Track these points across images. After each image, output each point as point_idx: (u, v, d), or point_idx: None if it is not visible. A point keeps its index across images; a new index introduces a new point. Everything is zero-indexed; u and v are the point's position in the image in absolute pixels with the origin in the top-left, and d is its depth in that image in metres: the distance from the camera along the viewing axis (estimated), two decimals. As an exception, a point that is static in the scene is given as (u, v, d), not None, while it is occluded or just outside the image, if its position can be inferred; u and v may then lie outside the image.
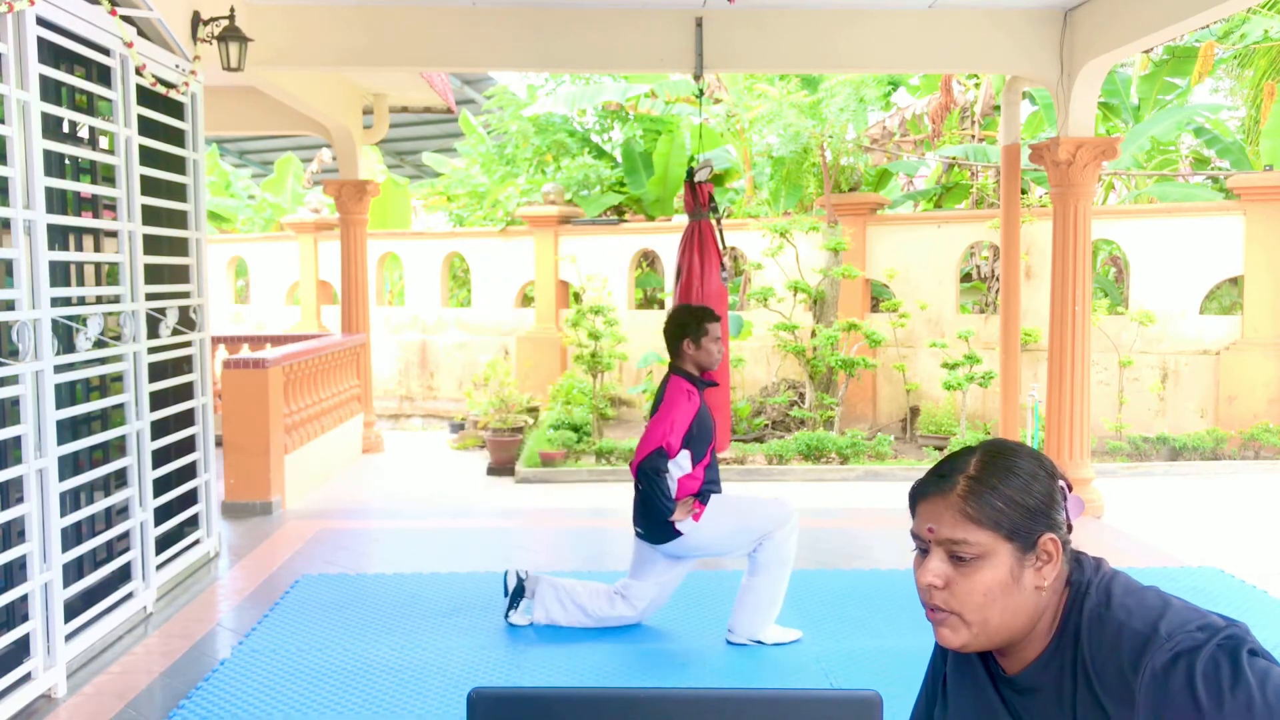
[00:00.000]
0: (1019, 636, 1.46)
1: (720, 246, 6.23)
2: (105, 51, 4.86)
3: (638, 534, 4.70)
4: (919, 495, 1.50)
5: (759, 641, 4.71)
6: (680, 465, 4.57)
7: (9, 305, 3.96)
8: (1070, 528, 1.48)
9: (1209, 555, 6.36)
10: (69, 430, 4.50)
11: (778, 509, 4.72)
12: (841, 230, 11.34)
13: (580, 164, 14.65)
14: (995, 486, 1.43)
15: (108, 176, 5.03)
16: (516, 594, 4.90)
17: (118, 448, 5.04)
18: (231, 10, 6.13)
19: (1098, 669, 1.39)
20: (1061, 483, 1.49)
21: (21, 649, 4.03)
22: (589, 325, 10.42)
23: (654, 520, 4.57)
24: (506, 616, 4.92)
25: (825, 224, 11.28)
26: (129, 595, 5.01)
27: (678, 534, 4.57)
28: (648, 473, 4.46)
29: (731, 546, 4.71)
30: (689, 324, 4.65)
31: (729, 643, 4.73)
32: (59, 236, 4.56)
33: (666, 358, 4.82)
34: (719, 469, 4.84)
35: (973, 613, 1.43)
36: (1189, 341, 10.51)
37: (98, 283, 5.05)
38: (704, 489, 4.65)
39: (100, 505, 4.78)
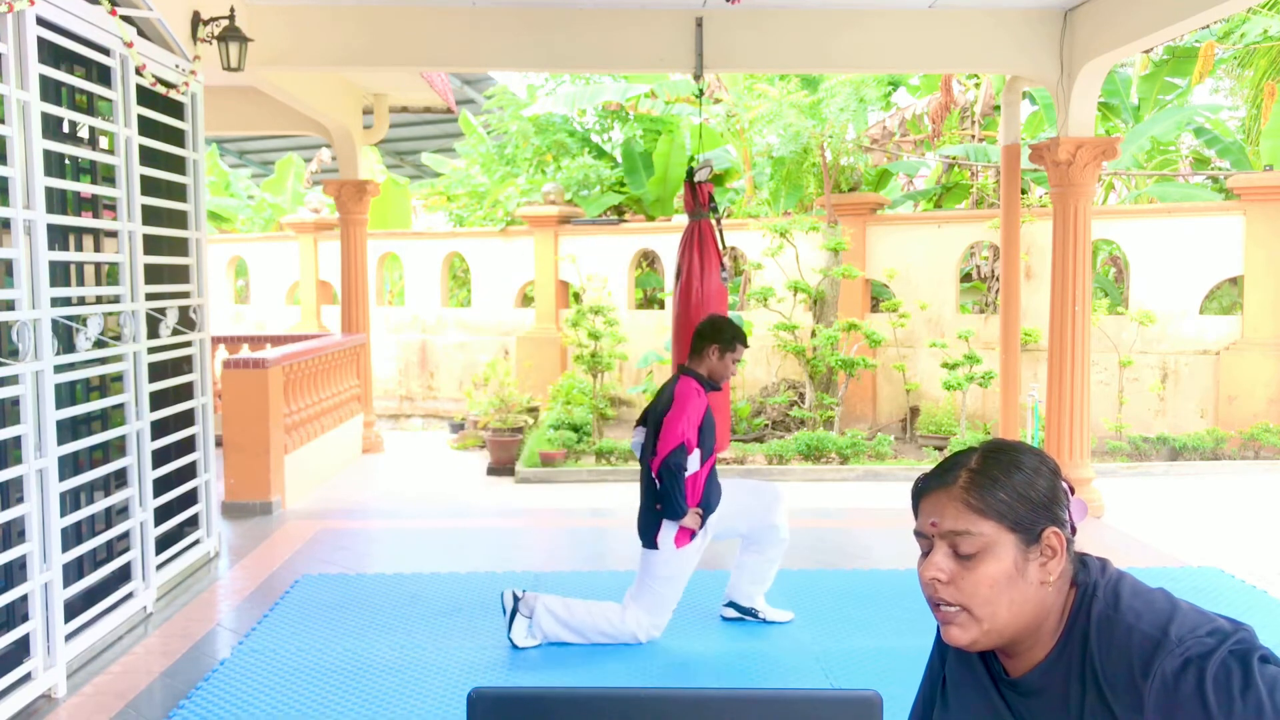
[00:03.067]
0: (1025, 633, 1.46)
1: (720, 246, 6.23)
2: (105, 51, 4.86)
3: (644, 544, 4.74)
4: (921, 492, 1.50)
5: (750, 611, 4.91)
6: (693, 464, 4.58)
7: (9, 305, 3.96)
8: (1074, 529, 1.48)
9: (1209, 555, 6.36)
10: (69, 430, 4.50)
11: (767, 490, 4.85)
12: (841, 230, 11.34)
13: (580, 164, 14.65)
14: (998, 479, 1.44)
15: (108, 176, 5.03)
16: (515, 612, 4.78)
17: (118, 448, 5.03)
18: (231, 10, 6.13)
19: (1107, 672, 1.39)
20: (1064, 484, 1.49)
21: (21, 649, 4.03)
22: (589, 325, 10.42)
23: (648, 517, 4.59)
24: (509, 635, 4.78)
25: (825, 224, 11.28)
26: (129, 595, 5.01)
27: (655, 546, 4.58)
28: (672, 469, 4.46)
29: (648, 587, 4.68)
30: (725, 334, 4.67)
31: (723, 618, 4.95)
32: (59, 236, 4.56)
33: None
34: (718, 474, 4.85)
35: (981, 606, 1.43)
36: (1189, 341, 10.51)
37: (98, 283, 5.05)
38: (706, 500, 4.65)
39: (100, 505, 4.78)
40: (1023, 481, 1.44)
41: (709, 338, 4.66)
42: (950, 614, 1.45)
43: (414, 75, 9.07)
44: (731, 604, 5.01)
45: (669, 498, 4.50)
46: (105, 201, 5.04)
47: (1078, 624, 1.45)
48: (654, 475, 4.54)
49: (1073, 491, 1.50)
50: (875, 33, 7.13)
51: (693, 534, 4.61)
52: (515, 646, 4.67)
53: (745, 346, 4.76)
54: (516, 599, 4.76)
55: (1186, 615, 1.39)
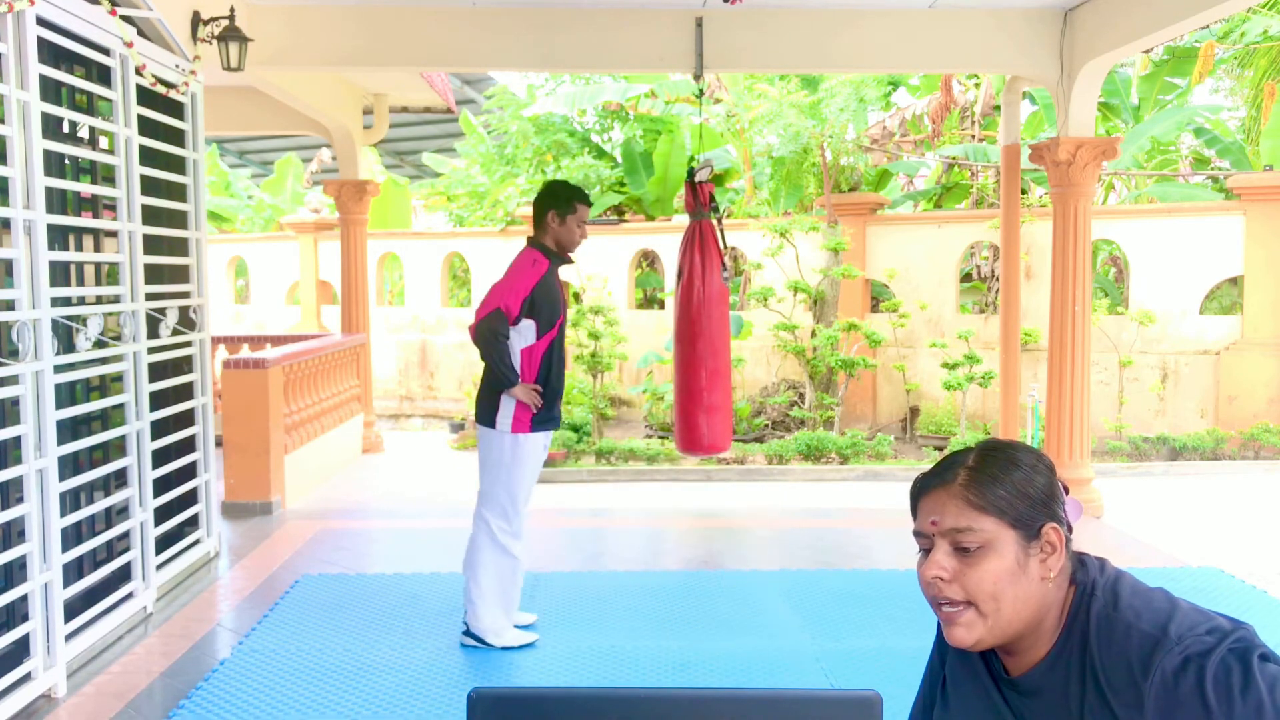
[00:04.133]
0: (1026, 631, 1.46)
1: (721, 246, 6.22)
2: (105, 51, 4.86)
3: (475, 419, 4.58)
4: (920, 492, 1.50)
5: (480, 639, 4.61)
6: (523, 335, 4.44)
7: (9, 305, 3.96)
8: (1070, 529, 1.48)
9: (1209, 555, 6.36)
10: (69, 430, 4.50)
11: (521, 507, 4.55)
12: (841, 230, 11.34)
13: (580, 164, 14.65)
14: (997, 475, 1.44)
15: (108, 176, 5.03)
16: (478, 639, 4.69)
17: (118, 448, 5.03)
18: (231, 10, 6.13)
19: (1107, 671, 1.39)
20: (1060, 483, 1.50)
21: (21, 649, 4.02)
22: (589, 325, 10.42)
23: (486, 393, 4.44)
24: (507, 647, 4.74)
25: (825, 224, 11.28)
26: (129, 595, 5.01)
27: (492, 424, 4.40)
28: (485, 335, 4.33)
29: (493, 479, 4.48)
30: (560, 196, 4.53)
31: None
32: (59, 236, 4.56)
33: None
34: (565, 351, 4.65)
35: (986, 602, 1.42)
36: (1189, 341, 10.51)
37: (98, 283, 5.05)
38: (550, 392, 4.48)
39: (100, 505, 4.78)
40: (1021, 478, 1.44)
41: (546, 204, 4.52)
42: (953, 613, 1.45)
43: (414, 75, 9.07)
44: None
45: (491, 366, 4.35)
46: (105, 201, 5.04)
47: (1077, 623, 1.45)
48: (472, 342, 4.41)
49: (1067, 491, 1.51)
50: (875, 33, 7.13)
51: (532, 417, 4.43)
52: (508, 648, 4.66)
53: (587, 205, 4.58)
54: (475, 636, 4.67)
55: (1186, 614, 1.40)
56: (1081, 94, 7.18)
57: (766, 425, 10.75)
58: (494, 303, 4.38)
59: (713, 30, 7.02)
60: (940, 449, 9.83)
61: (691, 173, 5.94)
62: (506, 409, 4.45)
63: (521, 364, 4.47)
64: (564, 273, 12.76)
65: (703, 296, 5.96)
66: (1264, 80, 11.76)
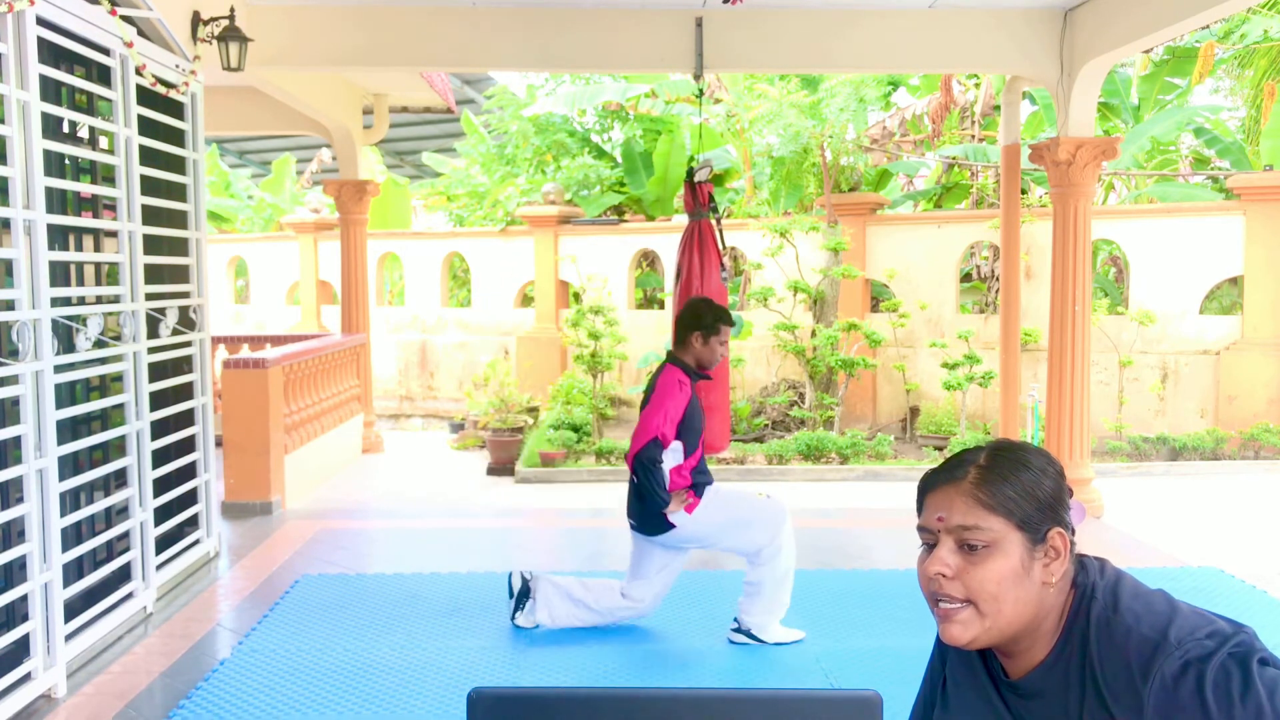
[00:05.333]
0: (1024, 633, 1.45)
1: (720, 246, 6.23)
2: (105, 51, 4.86)
3: (632, 526, 4.68)
4: (928, 487, 1.49)
5: (758, 638, 4.69)
6: (673, 456, 4.54)
7: (9, 305, 3.96)
8: (1074, 532, 1.48)
9: (1209, 555, 6.36)
10: (69, 430, 4.50)
11: (772, 509, 4.69)
12: (841, 230, 11.34)
13: (580, 164, 14.65)
14: (1007, 475, 1.44)
15: (108, 176, 5.03)
16: (522, 595, 4.87)
17: (118, 448, 5.03)
18: (231, 10, 6.13)
19: (1106, 675, 1.39)
20: (1067, 486, 1.50)
21: (21, 649, 4.02)
22: (589, 325, 10.42)
23: (649, 512, 4.55)
24: (513, 618, 4.89)
25: (825, 224, 11.28)
26: (129, 595, 5.01)
27: (671, 526, 4.54)
28: (644, 463, 4.42)
29: (726, 539, 4.68)
30: (705, 318, 4.60)
31: (730, 641, 4.72)
32: (59, 236, 4.56)
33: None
34: (707, 464, 4.82)
35: (987, 602, 1.42)
36: (1189, 341, 10.51)
37: (98, 283, 5.05)
38: (697, 481, 4.62)
39: (100, 505, 4.78)
40: (1031, 480, 1.44)
41: (689, 325, 4.60)
42: (950, 610, 1.44)
43: (414, 75, 9.07)
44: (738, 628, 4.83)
45: (647, 492, 4.45)
46: (105, 201, 5.04)
47: (1077, 625, 1.44)
48: (629, 468, 4.51)
49: (1071, 494, 1.51)
50: (875, 33, 7.13)
51: (696, 504, 4.56)
52: (517, 626, 4.75)
53: (730, 325, 4.67)
54: (526, 580, 4.80)
55: (1186, 617, 1.39)
56: (1081, 94, 7.18)
57: (766, 425, 10.75)
58: (651, 432, 4.43)
59: (713, 30, 7.02)
60: (940, 449, 9.83)
61: (691, 173, 5.95)
62: (675, 514, 4.56)
63: (671, 480, 4.55)
64: (565, 272, 12.82)
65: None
66: (1264, 80, 11.76)
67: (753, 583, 4.70)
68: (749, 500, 4.80)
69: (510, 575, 4.94)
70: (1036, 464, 1.46)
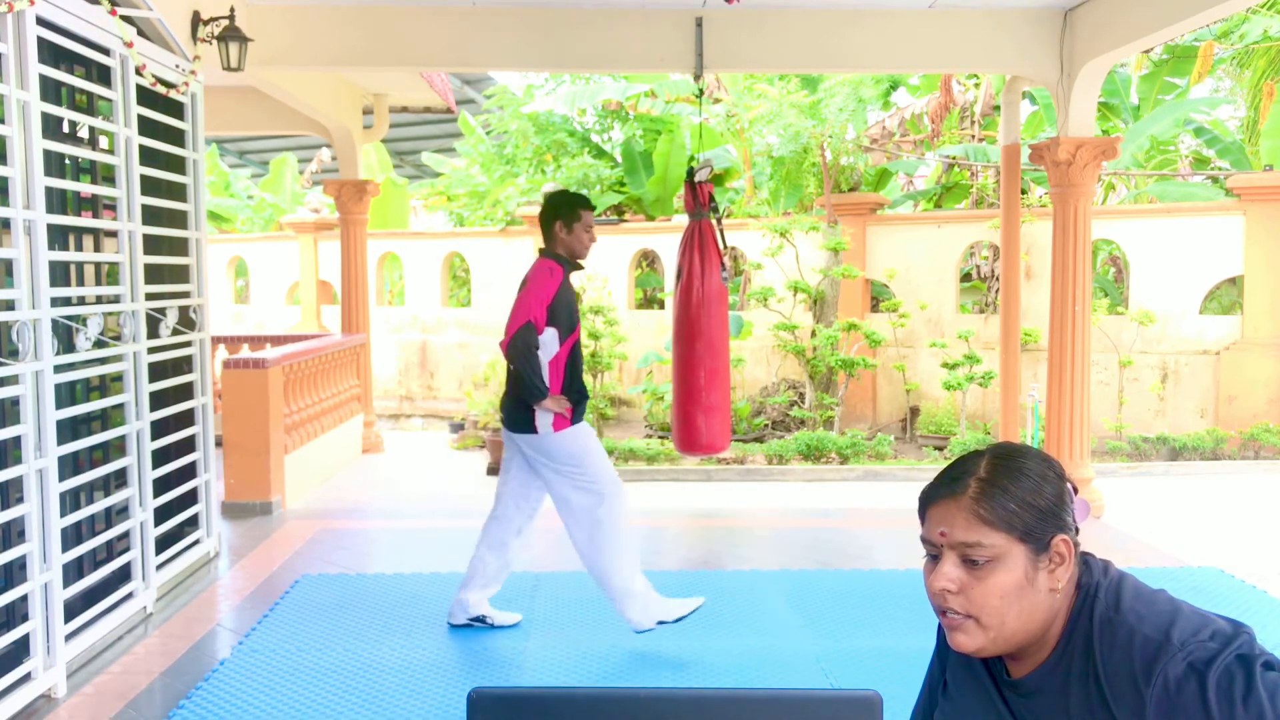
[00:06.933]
0: (1033, 640, 1.46)
1: (720, 246, 6.22)
2: (105, 51, 4.86)
3: (502, 423, 4.66)
4: (929, 500, 1.49)
5: (484, 618, 4.85)
6: (547, 346, 4.50)
7: (9, 305, 3.96)
8: (1078, 530, 1.48)
9: (1209, 555, 6.36)
10: (69, 430, 4.50)
11: (612, 474, 4.67)
12: (841, 230, 11.35)
13: (580, 164, 14.65)
14: (1007, 488, 1.43)
15: (108, 176, 5.03)
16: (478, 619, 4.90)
17: (118, 448, 5.03)
18: (231, 10, 6.13)
19: (1108, 675, 1.39)
20: (1069, 485, 1.49)
21: (21, 649, 4.02)
22: (589, 325, 10.42)
23: (518, 404, 4.52)
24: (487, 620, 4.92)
25: (825, 224, 11.28)
26: (129, 595, 5.01)
27: (534, 430, 4.51)
28: (520, 348, 4.39)
29: (573, 478, 4.60)
30: (562, 207, 4.62)
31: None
32: (59, 236, 4.56)
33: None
34: (583, 362, 4.78)
35: (990, 616, 1.42)
36: (1189, 341, 10.51)
37: (98, 283, 5.05)
38: (577, 396, 4.59)
39: (100, 505, 4.78)
40: (1031, 489, 1.43)
41: (550, 217, 4.61)
42: (957, 620, 1.45)
43: (414, 75, 9.07)
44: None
45: (524, 380, 4.42)
46: (105, 201, 5.04)
47: (1079, 625, 1.45)
48: (505, 356, 4.48)
49: (1076, 491, 1.50)
50: (875, 33, 7.13)
51: (570, 415, 4.52)
52: (504, 626, 4.86)
53: (591, 209, 4.67)
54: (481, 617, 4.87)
55: (1188, 618, 1.39)
56: (1081, 94, 7.18)
57: (766, 425, 10.75)
58: (523, 316, 4.42)
59: (713, 30, 7.02)
60: (940, 449, 9.83)
61: (691, 173, 5.94)
62: (543, 419, 4.52)
63: (549, 375, 4.52)
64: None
65: (702, 296, 5.96)
66: (1264, 80, 11.76)
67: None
68: (607, 461, 4.73)
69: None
70: (1036, 471, 1.45)
